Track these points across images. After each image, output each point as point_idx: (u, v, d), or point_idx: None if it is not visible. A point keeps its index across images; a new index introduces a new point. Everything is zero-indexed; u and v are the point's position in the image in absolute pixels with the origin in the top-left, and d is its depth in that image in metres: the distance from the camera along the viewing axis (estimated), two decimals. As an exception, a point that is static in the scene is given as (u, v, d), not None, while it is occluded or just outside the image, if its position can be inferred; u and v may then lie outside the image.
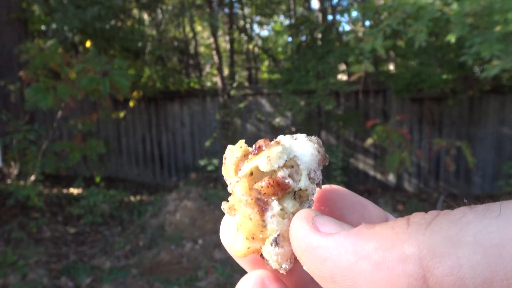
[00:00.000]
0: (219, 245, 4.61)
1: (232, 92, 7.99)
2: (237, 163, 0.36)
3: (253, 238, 0.34)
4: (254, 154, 0.36)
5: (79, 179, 6.51)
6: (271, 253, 0.34)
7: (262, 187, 0.34)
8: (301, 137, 0.37)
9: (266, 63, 11.37)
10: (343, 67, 7.81)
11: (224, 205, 0.37)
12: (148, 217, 5.32)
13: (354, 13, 7.61)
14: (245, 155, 0.36)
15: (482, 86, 6.26)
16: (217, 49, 7.97)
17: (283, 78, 6.98)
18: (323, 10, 8.51)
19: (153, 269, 4.23)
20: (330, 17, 8.65)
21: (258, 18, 10.28)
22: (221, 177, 7.92)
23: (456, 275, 0.24)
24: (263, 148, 0.36)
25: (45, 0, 7.09)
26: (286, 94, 6.70)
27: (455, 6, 4.24)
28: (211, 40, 8.34)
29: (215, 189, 6.74)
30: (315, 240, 0.30)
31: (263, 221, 0.34)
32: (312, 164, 0.36)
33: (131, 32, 8.53)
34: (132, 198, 6.83)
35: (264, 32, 12.25)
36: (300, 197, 0.35)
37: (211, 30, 8.11)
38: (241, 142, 0.37)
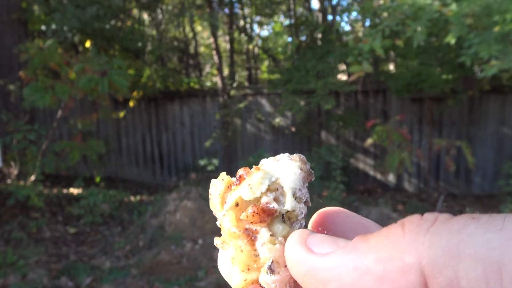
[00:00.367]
0: (219, 245, 4.60)
1: (232, 92, 7.99)
2: (222, 196, 0.36)
3: (248, 269, 0.34)
4: (236, 184, 0.36)
5: (79, 179, 6.51)
6: (268, 282, 0.33)
7: (247, 216, 0.34)
8: (283, 157, 0.36)
9: (266, 63, 11.37)
10: (343, 67, 7.81)
11: (217, 241, 0.37)
12: (148, 217, 5.32)
13: (354, 13, 7.61)
14: (229, 187, 0.36)
15: (482, 86, 6.26)
16: (217, 49, 7.97)
17: (283, 78, 6.98)
18: (323, 10, 8.51)
19: (153, 269, 4.23)
20: (330, 17, 8.65)
21: (258, 18, 10.28)
22: (221, 177, 7.92)
23: (454, 286, 0.24)
24: (244, 176, 0.35)
25: (45, 0, 7.10)
26: (286, 94, 6.71)
27: (453, 6, 4.24)
28: (211, 40, 8.34)
29: (215, 189, 6.73)
30: (313, 262, 0.29)
31: (255, 250, 0.34)
32: (297, 183, 0.35)
33: (131, 32, 8.53)
34: (132, 198, 6.83)
35: (264, 32, 12.25)
36: (290, 219, 0.35)
37: (211, 30, 8.11)
38: (223, 175, 0.37)
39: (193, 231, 4.82)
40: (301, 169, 0.35)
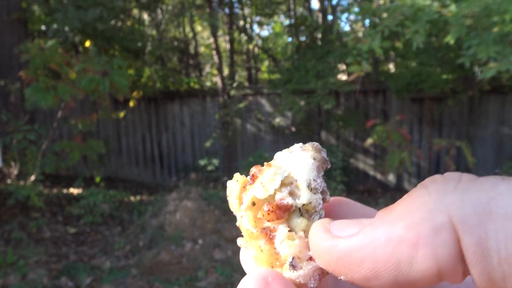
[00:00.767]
0: (219, 245, 4.61)
1: (232, 92, 7.99)
2: (239, 197, 0.36)
3: (272, 267, 0.34)
4: (250, 183, 0.35)
5: (79, 179, 6.51)
6: (292, 278, 0.33)
7: (263, 215, 0.34)
8: (296, 148, 0.36)
9: (266, 63, 11.37)
10: (343, 67, 7.82)
11: (240, 241, 0.36)
12: (148, 217, 5.32)
13: (354, 14, 7.61)
14: (244, 186, 0.36)
15: (482, 86, 6.26)
16: (217, 49, 7.97)
17: (283, 78, 6.98)
18: (323, 10, 8.51)
19: (153, 269, 4.23)
20: (330, 17, 8.65)
21: (258, 18, 10.28)
22: (221, 177, 7.93)
23: (483, 246, 0.24)
24: (257, 174, 0.35)
25: (45, 0, 7.10)
26: (286, 94, 6.71)
27: (453, 7, 4.25)
28: (211, 40, 8.34)
29: (215, 189, 6.74)
30: (343, 246, 0.29)
31: (275, 248, 0.33)
32: (311, 174, 0.34)
33: (131, 32, 8.53)
34: (132, 198, 6.83)
35: (264, 32, 12.26)
36: (307, 211, 0.34)
37: (211, 30, 8.11)
38: (237, 176, 0.37)
39: (193, 231, 4.82)
40: (314, 158, 0.35)
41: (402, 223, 0.27)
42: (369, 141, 5.91)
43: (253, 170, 0.36)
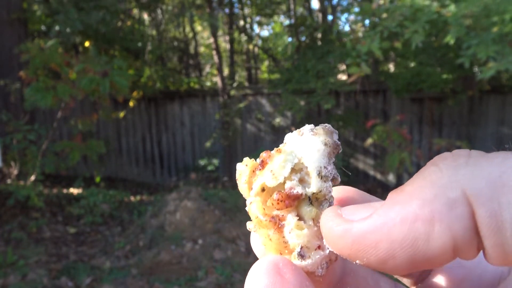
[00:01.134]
0: (219, 245, 4.61)
1: (232, 92, 7.99)
2: (249, 181, 0.36)
3: (280, 253, 0.34)
4: (259, 169, 0.35)
5: (79, 179, 6.51)
6: (301, 266, 0.33)
7: (273, 204, 0.33)
8: (306, 131, 0.35)
9: (266, 63, 11.37)
10: (343, 67, 7.82)
11: (250, 225, 0.36)
12: (148, 217, 5.32)
13: (354, 14, 7.61)
14: (254, 171, 0.36)
15: (482, 86, 6.27)
16: (217, 49, 7.97)
17: (283, 78, 6.98)
18: (323, 10, 8.52)
19: (153, 269, 4.23)
20: (330, 17, 8.65)
21: (258, 18, 10.28)
22: (221, 177, 7.94)
23: (497, 219, 0.24)
24: (267, 160, 0.35)
25: (46, 1, 7.10)
26: (286, 94, 6.71)
27: (452, 8, 4.25)
28: (211, 40, 8.34)
29: (215, 189, 6.74)
30: (357, 229, 0.28)
31: (283, 237, 0.33)
32: (321, 161, 0.33)
33: (131, 32, 8.53)
34: (132, 198, 6.83)
35: (264, 32, 12.26)
36: (317, 199, 0.34)
37: (211, 30, 8.11)
38: (246, 160, 0.37)
39: (193, 231, 4.82)
40: (325, 144, 0.34)
41: (416, 201, 0.27)
42: (369, 141, 5.91)
43: (263, 155, 0.35)
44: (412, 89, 6.19)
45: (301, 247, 0.33)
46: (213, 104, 8.15)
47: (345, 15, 9.20)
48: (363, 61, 4.83)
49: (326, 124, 0.35)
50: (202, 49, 12.13)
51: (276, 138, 7.81)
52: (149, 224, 5.12)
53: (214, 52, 8.13)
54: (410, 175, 7.14)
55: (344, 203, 0.37)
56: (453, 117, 6.85)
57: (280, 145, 0.36)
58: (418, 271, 0.36)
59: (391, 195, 0.29)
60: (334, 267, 0.35)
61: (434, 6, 4.45)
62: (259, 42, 10.92)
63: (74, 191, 6.85)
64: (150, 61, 8.72)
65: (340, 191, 0.38)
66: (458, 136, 6.74)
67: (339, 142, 0.35)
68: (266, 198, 0.34)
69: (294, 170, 0.34)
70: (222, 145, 7.96)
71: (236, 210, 5.32)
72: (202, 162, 8.03)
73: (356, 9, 7.56)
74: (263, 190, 0.35)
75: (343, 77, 8.03)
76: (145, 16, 9.65)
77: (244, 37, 10.01)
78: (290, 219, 0.33)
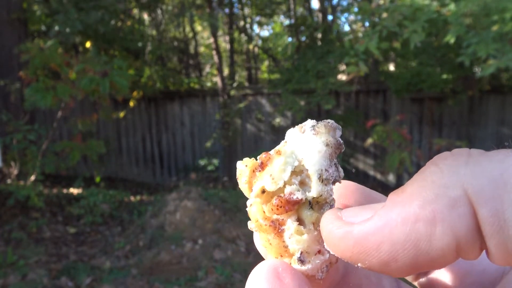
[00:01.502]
0: (219, 245, 4.61)
1: (232, 92, 7.99)
2: (249, 181, 0.35)
3: (281, 256, 0.34)
4: (259, 171, 0.34)
5: (79, 179, 6.51)
6: (301, 271, 0.33)
7: (272, 209, 0.33)
8: (308, 128, 0.34)
9: (266, 63, 11.37)
10: (343, 67, 7.82)
11: (251, 224, 0.36)
12: (148, 217, 5.32)
13: (354, 14, 7.62)
14: (254, 171, 0.35)
15: (482, 86, 6.27)
16: (217, 49, 7.97)
17: (283, 78, 6.98)
18: (323, 10, 8.52)
19: (153, 269, 4.23)
20: (330, 17, 8.65)
21: (258, 18, 10.28)
22: (221, 177, 7.94)
23: (499, 217, 0.24)
24: (267, 162, 0.34)
25: (46, 1, 7.10)
26: (286, 94, 6.71)
27: (452, 6, 4.25)
28: (211, 40, 8.34)
29: (215, 189, 6.74)
30: (358, 231, 0.28)
31: (283, 241, 0.33)
32: (322, 164, 0.33)
33: (131, 32, 8.53)
34: (132, 198, 6.83)
35: (264, 32, 12.26)
36: (318, 203, 0.33)
37: (211, 30, 8.11)
38: (246, 160, 0.36)
39: (193, 231, 4.82)
40: (327, 144, 0.33)
41: (417, 201, 0.26)
42: (369, 141, 5.91)
43: (262, 157, 0.35)
44: (412, 89, 6.19)
45: (301, 252, 0.32)
46: (213, 104, 8.15)
47: (345, 15, 9.20)
48: (361, 60, 4.83)
49: (329, 120, 0.34)
50: (202, 49, 12.13)
51: (276, 138, 7.81)
52: (149, 224, 5.12)
53: (214, 52, 8.13)
54: (410, 175, 7.14)
55: (345, 199, 0.37)
56: (453, 117, 6.85)
57: (281, 143, 0.35)
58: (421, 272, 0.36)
59: (392, 196, 0.29)
60: (337, 266, 0.35)
61: (434, 5, 4.45)
62: (259, 42, 10.92)
63: (74, 191, 6.85)
64: (150, 61, 8.72)
65: (340, 188, 0.37)
66: (458, 136, 6.74)
67: (341, 141, 0.34)
68: (266, 200, 0.34)
69: (294, 173, 0.33)
70: (222, 145, 7.96)
71: (236, 210, 5.32)
72: (202, 162, 8.04)
73: (356, 9, 7.56)
74: (263, 192, 0.34)
75: (343, 77, 8.03)
76: (145, 16, 9.65)
77: (244, 37, 10.01)
78: (290, 224, 0.33)
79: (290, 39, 8.49)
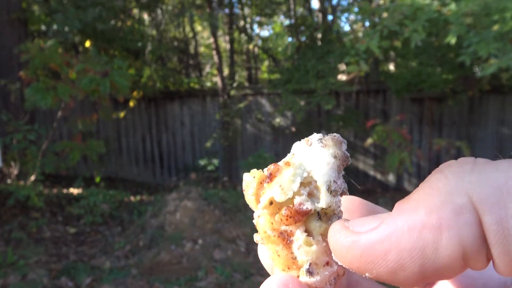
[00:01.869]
0: (219, 245, 4.61)
1: (232, 92, 7.99)
2: (256, 193, 0.35)
3: (288, 268, 0.34)
4: (267, 182, 0.34)
5: (79, 179, 6.51)
6: (308, 283, 0.33)
7: (281, 220, 0.33)
8: (315, 141, 0.34)
9: (266, 63, 11.37)
10: (343, 67, 7.82)
11: (257, 237, 0.36)
12: (148, 217, 5.32)
13: (354, 13, 7.61)
14: (261, 182, 0.35)
15: (482, 86, 6.27)
16: (217, 49, 7.98)
17: (283, 78, 6.98)
18: (323, 10, 8.52)
19: (153, 269, 4.23)
20: (330, 17, 8.65)
21: (258, 18, 10.28)
22: (221, 177, 7.93)
23: (504, 226, 0.24)
24: (275, 173, 0.34)
25: (45, 0, 7.10)
26: (286, 94, 6.71)
27: (452, 6, 4.25)
28: (211, 40, 8.34)
29: (215, 189, 6.74)
30: (365, 241, 0.28)
31: (292, 253, 0.33)
32: (331, 175, 0.33)
33: (131, 32, 8.53)
34: (132, 198, 6.83)
35: (264, 32, 12.26)
36: (326, 214, 0.34)
37: (211, 30, 8.11)
38: (254, 172, 0.36)
39: (193, 231, 4.82)
40: (335, 156, 0.33)
41: (423, 209, 0.26)
42: (369, 141, 5.91)
43: (271, 167, 0.35)
44: (412, 89, 6.19)
45: (310, 264, 0.32)
46: (213, 104, 8.15)
47: (345, 14, 9.20)
48: (362, 60, 4.84)
49: (335, 134, 0.35)
50: (202, 49, 12.13)
51: (276, 138, 7.81)
52: (149, 224, 5.12)
53: (214, 52, 8.13)
54: (410, 175, 7.15)
55: (350, 214, 0.37)
56: (453, 117, 6.85)
57: (288, 156, 0.35)
58: (431, 283, 0.36)
59: (398, 204, 0.29)
60: (342, 279, 0.35)
61: (434, 5, 4.45)
62: (259, 42, 10.92)
63: (74, 191, 6.85)
64: (150, 61, 8.72)
65: (345, 202, 0.37)
66: (458, 136, 6.74)
67: (348, 154, 0.35)
68: (274, 211, 0.34)
69: (303, 184, 0.33)
70: (222, 145, 7.96)
71: (236, 210, 5.32)
72: (202, 162, 8.03)
73: (356, 9, 7.56)
74: (271, 203, 0.34)
75: (343, 77, 8.03)
76: (145, 16, 9.65)
77: (244, 37, 10.01)
78: (299, 235, 0.33)
79: (290, 39, 8.49)
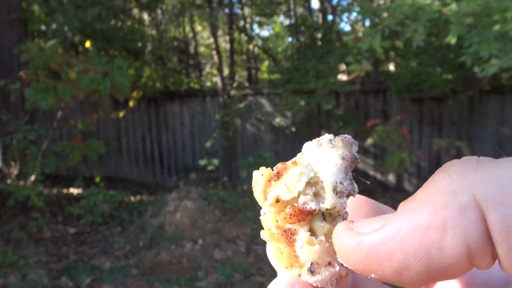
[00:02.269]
0: (219, 245, 4.61)
1: (232, 92, 7.99)
2: (264, 191, 0.36)
3: (291, 266, 0.34)
4: (275, 180, 0.35)
5: (79, 179, 6.51)
6: (310, 282, 0.33)
7: (286, 218, 0.33)
8: (325, 142, 0.34)
9: (266, 63, 11.37)
10: (343, 67, 7.82)
11: (263, 234, 0.36)
12: (148, 217, 5.32)
13: (354, 14, 7.62)
14: (269, 180, 0.35)
15: (482, 86, 6.27)
16: (217, 49, 7.97)
17: (283, 78, 6.98)
18: (323, 10, 8.52)
19: (153, 269, 4.23)
20: (330, 17, 8.65)
21: (258, 18, 10.28)
22: (221, 177, 7.93)
23: (508, 223, 0.24)
24: (282, 172, 0.34)
25: (45, 0, 7.10)
26: (286, 94, 6.71)
27: (453, 6, 4.25)
28: (211, 40, 8.34)
29: (215, 189, 6.74)
30: (370, 241, 0.28)
31: (294, 251, 0.33)
32: (338, 176, 0.33)
33: (131, 32, 8.53)
34: (132, 198, 6.83)
35: (264, 32, 12.26)
36: (331, 215, 0.34)
37: (211, 30, 8.11)
38: (262, 170, 0.36)
39: (193, 231, 4.82)
40: (343, 158, 0.33)
41: (427, 208, 0.26)
42: (369, 141, 5.91)
43: (279, 166, 0.35)
44: (412, 89, 6.19)
45: (312, 263, 0.33)
46: (213, 104, 8.15)
47: (346, 14, 9.21)
48: (364, 59, 4.83)
49: (346, 135, 0.35)
50: (202, 49, 12.13)
51: (276, 138, 7.81)
52: (149, 224, 5.12)
53: (214, 52, 8.13)
54: (410, 175, 7.15)
55: (355, 213, 0.37)
56: (453, 117, 6.85)
57: (297, 155, 0.35)
58: (436, 283, 0.36)
59: (402, 204, 0.29)
60: (347, 280, 0.35)
61: (435, 5, 4.45)
62: (259, 42, 10.92)
63: (74, 191, 6.85)
64: (150, 61, 8.72)
65: (350, 201, 0.37)
66: (458, 136, 6.74)
67: (357, 156, 0.34)
68: (280, 209, 0.34)
69: (309, 184, 0.34)
70: (222, 145, 7.96)
71: (236, 210, 5.32)
72: (202, 162, 8.03)
73: (357, 9, 7.57)
74: (277, 201, 0.34)
75: (343, 77, 8.03)
76: (145, 16, 9.65)
77: (244, 37, 10.01)
78: (302, 234, 0.33)
79: (290, 39, 8.49)
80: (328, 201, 0.33)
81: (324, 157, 0.34)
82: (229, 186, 7.23)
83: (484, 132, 6.71)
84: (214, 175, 7.93)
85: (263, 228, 0.36)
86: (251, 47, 10.50)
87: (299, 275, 0.34)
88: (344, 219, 0.34)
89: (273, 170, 0.36)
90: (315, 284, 0.33)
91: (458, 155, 6.34)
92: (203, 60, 11.66)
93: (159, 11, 9.65)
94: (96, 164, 7.27)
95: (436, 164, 7.02)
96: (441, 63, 6.24)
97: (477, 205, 0.25)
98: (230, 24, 8.94)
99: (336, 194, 0.33)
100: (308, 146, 0.35)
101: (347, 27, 10.39)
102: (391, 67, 8.73)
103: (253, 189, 0.36)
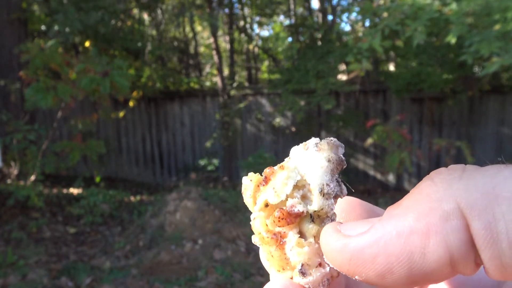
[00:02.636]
0: (219, 245, 4.61)
1: (232, 92, 7.99)
2: (253, 196, 0.36)
3: (283, 269, 0.34)
4: (263, 185, 0.35)
5: (79, 179, 6.51)
6: (301, 283, 0.33)
7: (274, 221, 0.34)
8: (311, 146, 0.35)
9: (266, 63, 11.37)
10: (343, 67, 7.82)
11: (255, 238, 0.36)
12: (148, 217, 5.32)
13: (354, 14, 7.62)
14: (258, 185, 0.36)
15: (482, 86, 6.27)
16: (217, 49, 7.97)
17: (283, 78, 6.98)
18: (323, 10, 8.52)
19: (153, 269, 4.23)
20: (330, 17, 8.65)
21: (258, 18, 10.28)
22: (221, 177, 7.93)
23: (492, 230, 0.24)
24: (270, 176, 0.35)
25: (45, 0, 7.10)
26: (286, 94, 6.71)
27: (453, 6, 4.25)
28: (211, 40, 8.34)
29: (215, 189, 6.74)
30: (355, 244, 0.29)
31: (285, 254, 0.34)
32: (324, 179, 0.33)
33: (131, 32, 8.53)
34: (132, 198, 6.83)
35: (264, 32, 12.26)
36: (319, 217, 0.34)
37: (211, 30, 8.11)
38: (251, 175, 0.37)
39: (193, 231, 4.82)
40: (329, 160, 0.34)
41: (412, 215, 0.27)
42: (369, 141, 5.91)
43: (266, 172, 0.36)
44: (412, 89, 6.19)
45: (302, 265, 0.33)
46: (213, 104, 8.15)
47: (346, 14, 9.21)
48: (364, 58, 4.84)
49: (332, 138, 0.35)
50: (202, 49, 12.13)
51: (276, 138, 7.81)
52: (149, 224, 5.12)
53: (214, 52, 8.13)
54: (410, 175, 7.15)
55: (347, 215, 0.37)
56: (453, 117, 6.85)
57: (285, 160, 0.36)
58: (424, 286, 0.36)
59: (389, 209, 0.29)
60: (339, 281, 0.36)
61: (435, 4, 4.45)
62: (259, 42, 10.92)
63: (74, 191, 6.85)
64: (150, 61, 8.72)
65: (343, 203, 0.38)
66: (458, 136, 6.74)
67: (343, 158, 0.35)
68: (269, 213, 0.35)
69: (296, 187, 0.34)
70: (222, 145, 7.96)
71: (236, 210, 5.32)
72: (202, 162, 8.03)
73: (357, 9, 7.56)
74: (266, 205, 0.35)
75: (343, 77, 8.03)
76: (145, 16, 9.65)
77: (244, 37, 10.01)
78: (291, 237, 0.33)
79: (290, 39, 8.49)
80: (316, 203, 0.33)
81: (310, 160, 0.34)
82: (229, 186, 7.23)
83: (484, 132, 6.71)
84: (214, 175, 7.93)
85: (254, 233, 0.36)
86: (251, 47, 10.50)
87: (291, 278, 0.34)
88: (332, 220, 0.34)
89: (261, 175, 0.36)
90: (307, 286, 0.33)
91: (458, 155, 6.34)
92: (203, 60, 11.66)
93: (159, 11, 9.65)
94: (96, 164, 7.27)
95: (436, 164, 7.02)
96: (441, 63, 6.24)
97: (460, 213, 0.26)
98: (230, 24, 8.94)
99: (323, 196, 0.33)
100: (295, 150, 0.36)
101: (347, 27, 10.38)
102: (391, 67, 8.73)
103: (243, 195, 0.37)
